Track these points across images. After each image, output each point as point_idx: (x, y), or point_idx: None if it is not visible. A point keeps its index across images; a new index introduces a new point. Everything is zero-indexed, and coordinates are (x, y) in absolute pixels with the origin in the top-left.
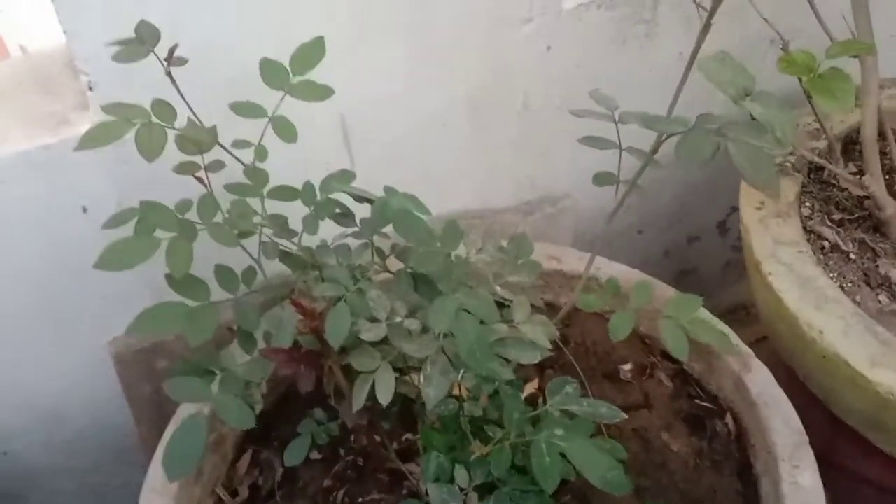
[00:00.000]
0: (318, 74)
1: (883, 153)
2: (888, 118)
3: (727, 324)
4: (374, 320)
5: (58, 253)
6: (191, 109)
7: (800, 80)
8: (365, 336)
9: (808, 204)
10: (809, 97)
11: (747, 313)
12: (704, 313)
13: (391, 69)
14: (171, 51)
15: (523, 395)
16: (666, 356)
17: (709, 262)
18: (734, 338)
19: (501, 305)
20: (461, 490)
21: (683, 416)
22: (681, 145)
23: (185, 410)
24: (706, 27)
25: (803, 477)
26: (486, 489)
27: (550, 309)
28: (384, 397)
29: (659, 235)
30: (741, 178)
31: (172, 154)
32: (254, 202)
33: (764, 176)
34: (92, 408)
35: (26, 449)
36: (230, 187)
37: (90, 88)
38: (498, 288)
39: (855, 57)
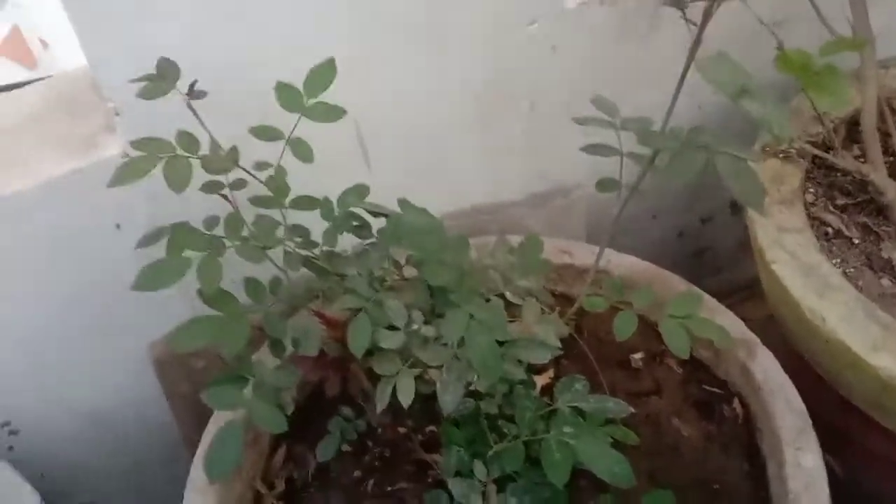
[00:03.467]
0: (331, 88)
1: (887, 134)
2: (893, 97)
3: (744, 299)
4: (392, 328)
5: (95, 269)
6: (212, 137)
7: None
8: (384, 345)
9: (812, 190)
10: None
11: (763, 289)
12: (710, 304)
13: (400, 77)
14: (192, 86)
15: (539, 387)
16: None
17: (723, 241)
18: (739, 328)
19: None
20: (480, 482)
21: (693, 401)
22: (670, 165)
23: (222, 415)
24: (697, 42)
25: (806, 459)
26: (505, 481)
27: (564, 300)
28: (405, 399)
29: (673, 218)
30: None
31: (199, 172)
32: (276, 212)
33: (751, 193)
34: (135, 409)
35: (75, 450)
36: (254, 200)
37: (116, 114)
38: (508, 294)
39: None
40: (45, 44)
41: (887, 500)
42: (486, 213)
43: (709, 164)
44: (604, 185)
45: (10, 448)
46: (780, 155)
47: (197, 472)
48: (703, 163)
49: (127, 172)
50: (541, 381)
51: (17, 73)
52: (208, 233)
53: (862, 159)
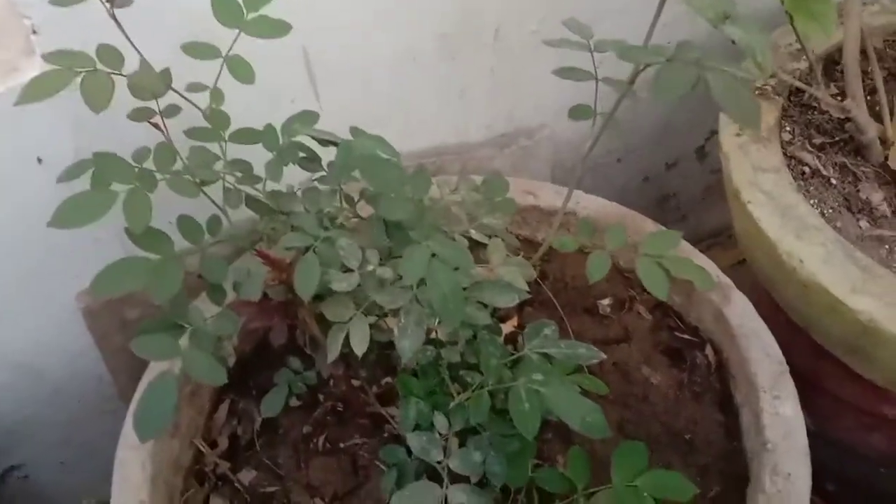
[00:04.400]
0: (276, 7)
1: (865, 73)
2: (872, 34)
3: (709, 247)
4: (346, 269)
5: (15, 207)
6: (139, 53)
7: (781, 1)
8: (336, 287)
9: (788, 128)
10: (791, 19)
11: (729, 236)
12: (685, 246)
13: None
14: None
15: (503, 335)
16: (646, 289)
17: (689, 187)
18: (714, 271)
19: (478, 244)
20: (441, 436)
21: (663, 348)
22: (658, 79)
23: (156, 367)
24: None
25: (784, 407)
26: (467, 433)
27: (527, 244)
28: (359, 348)
29: (638, 162)
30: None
31: (129, 99)
32: (215, 147)
33: (745, 110)
34: (67, 361)
35: (7, 404)
36: (190, 132)
37: (34, 32)
38: (473, 231)
39: None
40: None
41: (857, 450)
42: (450, 154)
43: (699, 82)
44: (577, 112)
45: None
46: (756, 91)
47: (130, 429)
48: (694, 78)
49: (37, 88)
50: (504, 329)
51: None
52: (138, 165)
53: (839, 98)
